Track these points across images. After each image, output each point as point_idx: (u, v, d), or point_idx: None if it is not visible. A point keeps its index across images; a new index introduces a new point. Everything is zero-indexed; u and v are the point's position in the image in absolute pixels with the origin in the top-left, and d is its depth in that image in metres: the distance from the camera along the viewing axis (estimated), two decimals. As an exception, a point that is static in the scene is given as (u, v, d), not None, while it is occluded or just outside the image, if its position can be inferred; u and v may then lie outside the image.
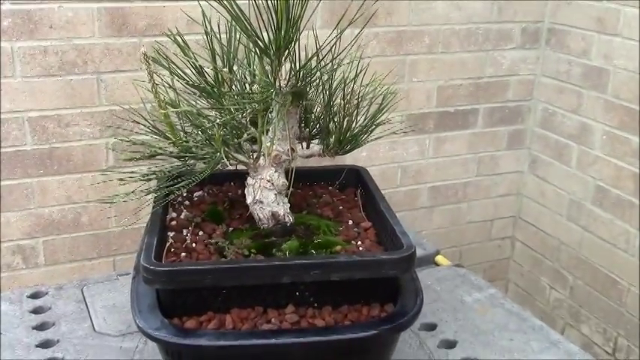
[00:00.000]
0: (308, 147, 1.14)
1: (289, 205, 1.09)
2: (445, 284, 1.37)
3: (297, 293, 0.97)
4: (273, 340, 0.91)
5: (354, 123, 1.10)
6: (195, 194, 1.20)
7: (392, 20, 2.06)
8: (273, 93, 0.99)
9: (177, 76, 1.04)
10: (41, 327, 1.22)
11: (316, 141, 1.14)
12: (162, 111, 1.04)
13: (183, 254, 1.02)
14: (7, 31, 1.70)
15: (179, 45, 1.05)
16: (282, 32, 0.95)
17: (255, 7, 0.92)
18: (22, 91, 1.74)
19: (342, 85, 1.10)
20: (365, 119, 1.14)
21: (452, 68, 2.19)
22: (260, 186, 1.07)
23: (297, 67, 0.99)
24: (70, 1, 1.74)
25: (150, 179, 1.06)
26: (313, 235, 1.08)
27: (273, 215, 1.07)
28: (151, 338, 0.92)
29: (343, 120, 1.09)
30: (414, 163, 2.25)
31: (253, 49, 1.00)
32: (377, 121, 1.14)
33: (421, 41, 2.12)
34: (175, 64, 1.04)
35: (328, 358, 0.98)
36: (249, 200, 1.08)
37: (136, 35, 1.80)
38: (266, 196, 1.07)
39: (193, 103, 1.07)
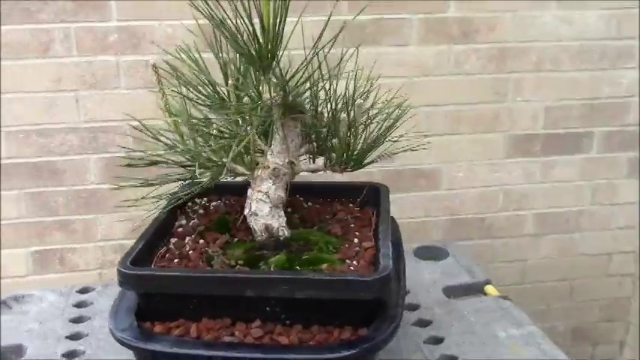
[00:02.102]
0: (314, 161, 1.12)
1: (285, 218, 1.08)
2: (482, 316, 1.28)
3: (268, 308, 0.96)
4: (221, 353, 0.90)
5: (358, 139, 1.06)
6: (212, 203, 1.23)
7: (494, 36, 1.96)
8: (259, 106, 0.99)
9: (185, 87, 1.07)
10: (77, 320, 1.30)
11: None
12: (171, 119, 1.08)
13: (176, 260, 1.05)
14: (113, 45, 1.83)
15: (187, 60, 1.08)
16: (264, 41, 0.94)
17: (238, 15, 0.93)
18: (126, 102, 1.86)
19: (345, 101, 1.06)
20: (373, 136, 1.09)
21: (562, 87, 2.04)
22: (256, 198, 1.07)
23: (284, 80, 0.98)
24: (169, 20, 1.84)
25: (152, 184, 1.09)
26: (305, 251, 1.06)
27: (267, 228, 1.07)
28: (114, 338, 0.95)
29: (347, 136, 1.06)
30: (518, 187, 2.12)
31: (239, 60, 1.00)
32: (385, 139, 1.09)
33: (527, 58, 2.00)
34: (183, 75, 1.07)
35: None
36: (246, 211, 1.08)
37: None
38: (261, 209, 1.07)
39: (199, 113, 1.09)
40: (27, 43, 1.78)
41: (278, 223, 1.07)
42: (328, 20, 0.92)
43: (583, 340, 2.36)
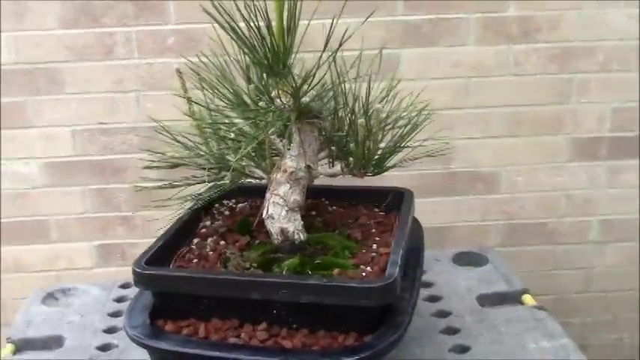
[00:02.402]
0: (333, 165, 1.12)
1: (302, 222, 1.09)
2: (514, 326, 1.24)
3: (275, 311, 0.97)
4: (224, 354, 0.92)
5: (377, 144, 1.05)
6: (239, 205, 1.25)
7: (556, 35, 1.90)
8: (271, 111, 1.00)
9: (208, 91, 1.10)
10: (115, 315, 1.35)
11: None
12: (195, 122, 1.11)
13: (195, 261, 1.07)
14: (171, 47, 1.88)
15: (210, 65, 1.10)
16: (274, 47, 0.95)
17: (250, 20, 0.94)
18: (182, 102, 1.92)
19: (362, 105, 1.06)
20: (394, 140, 1.08)
21: (631, 89, 1.94)
22: (272, 201, 1.08)
23: (296, 85, 0.98)
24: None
25: (175, 186, 1.13)
26: (320, 256, 1.06)
27: (282, 231, 1.08)
28: (127, 334, 0.98)
29: (365, 141, 1.05)
30: (582, 192, 2.04)
31: (252, 65, 1.01)
32: (403, 145, 1.08)
33: (592, 58, 1.92)
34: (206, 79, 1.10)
35: None
36: (263, 214, 1.09)
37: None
38: (277, 212, 1.08)
39: (222, 117, 1.12)
40: (92, 46, 1.85)
41: (294, 226, 1.08)
42: (332, 26, 0.91)
43: (654, 354, 2.25)
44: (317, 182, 1.22)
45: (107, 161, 1.96)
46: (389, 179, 1.84)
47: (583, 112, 1.97)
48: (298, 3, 0.94)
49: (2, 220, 1.97)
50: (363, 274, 1.01)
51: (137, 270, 0.97)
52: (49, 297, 1.41)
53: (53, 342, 1.27)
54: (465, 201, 2.03)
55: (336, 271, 1.01)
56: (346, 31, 0.94)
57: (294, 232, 1.08)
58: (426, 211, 1.99)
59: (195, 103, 1.10)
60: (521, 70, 1.92)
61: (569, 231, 2.08)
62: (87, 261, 2.05)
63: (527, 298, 1.33)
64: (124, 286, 1.45)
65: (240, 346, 0.94)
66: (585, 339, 2.18)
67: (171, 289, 0.98)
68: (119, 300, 1.40)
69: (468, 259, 1.48)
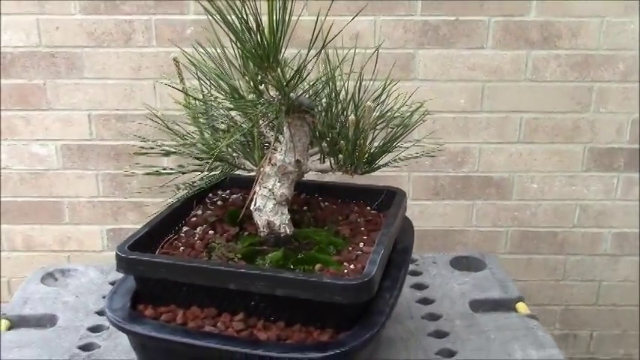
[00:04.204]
0: (324, 161, 1.12)
1: (289, 216, 1.09)
2: (503, 334, 1.23)
3: (252, 303, 0.97)
4: (196, 342, 0.92)
5: (368, 143, 1.05)
6: (232, 196, 1.25)
7: (577, 42, 1.87)
8: (260, 103, 1.00)
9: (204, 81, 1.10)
10: (110, 297, 1.37)
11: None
12: (188, 108, 1.12)
13: (181, 248, 1.08)
14: (189, 37, 1.90)
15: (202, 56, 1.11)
16: (263, 37, 0.95)
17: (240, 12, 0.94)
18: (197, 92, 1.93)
19: (353, 102, 1.05)
20: (385, 139, 1.07)
21: (652, 100, 1.91)
22: (261, 193, 1.08)
23: (285, 79, 0.98)
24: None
25: (165, 174, 1.13)
26: (305, 250, 1.06)
27: (269, 224, 1.08)
28: (107, 316, 0.99)
29: (356, 138, 1.05)
30: (596, 203, 2.01)
31: (243, 57, 1.01)
32: (396, 144, 1.07)
33: (613, 67, 1.88)
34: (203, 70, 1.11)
35: None
36: (251, 206, 1.10)
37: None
38: (264, 205, 1.08)
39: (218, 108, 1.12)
40: (111, 33, 1.88)
41: (280, 220, 1.08)
42: (317, 21, 0.91)
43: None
44: (312, 179, 1.23)
45: (122, 147, 1.98)
46: (396, 180, 1.84)
47: (601, 122, 1.94)
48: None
49: (17, 199, 2.01)
50: (345, 271, 1.01)
51: (119, 254, 0.99)
52: (49, 276, 1.43)
53: (47, 320, 1.29)
54: (476, 206, 2.01)
55: (317, 266, 1.01)
56: (331, 26, 0.93)
57: (280, 225, 1.08)
58: (437, 214, 1.99)
59: (188, 95, 1.10)
60: (539, 76, 1.89)
61: (581, 242, 2.05)
62: (97, 244, 2.08)
63: (521, 307, 1.32)
64: (123, 270, 1.46)
65: (215, 335, 0.94)
66: (592, 353, 2.15)
67: (151, 275, 0.99)
68: (115, 283, 1.41)
69: (466, 263, 1.46)
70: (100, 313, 1.30)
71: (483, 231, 2.02)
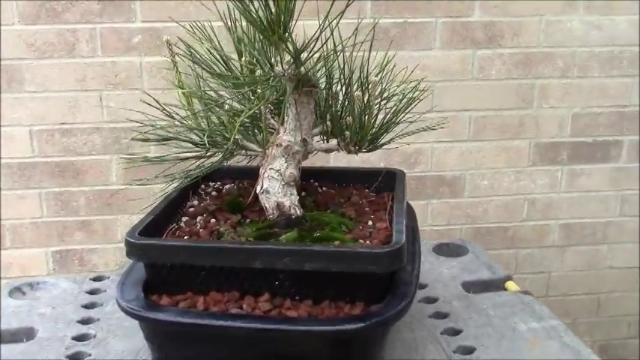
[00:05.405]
0: (328, 141, 1.10)
1: (297, 197, 1.07)
2: (502, 310, 1.24)
3: (277, 282, 0.93)
4: (228, 323, 0.88)
5: (373, 119, 1.04)
6: (225, 186, 1.22)
7: (519, 41, 1.94)
8: (271, 78, 0.97)
9: (197, 62, 1.07)
10: (90, 306, 1.29)
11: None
12: (184, 96, 1.08)
13: (186, 237, 1.03)
14: (136, 46, 1.84)
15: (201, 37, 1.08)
16: (276, 11, 0.93)
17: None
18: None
19: (360, 78, 1.04)
20: (388, 116, 1.07)
21: (590, 94, 2.00)
22: (268, 175, 1.05)
23: (297, 50, 0.96)
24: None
25: (165, 161, 1.09)
26: (317, 230, 1.04)
27: (278, 206, 1.05)
28: (120, 307, 0.93)
29: (360, 115, 1.04)
30: (543, 197, 2.08)
31: (252, 32, 0.99)
32: (398, 119, 1.07)
33: (553, 64, 1.97)
34: (195, 51, 1.07)
35: (280, 348, 0.92)
36: (258, 189, 1.06)
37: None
38: (272, 186, 1.05)
39: (213, 92, 1.09)
40: (53, 43, 1.80)
41: (290, 201, 1.05)
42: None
43: (610, 357, 2.28)
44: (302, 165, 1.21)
45: (67, 163, 1.89)
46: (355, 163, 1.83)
47: (544, 118, 2.02)
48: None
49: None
50: (368, 242, 0.99)
51: (131, 240, 0.93)
52: (16, 291, 1.33)
53: (23, 334, 1.20)
54: (430, 205, 2.04)
55: (336, 243, 0.99)
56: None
57: (290, 206, 1.05)
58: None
59: (183, 90, 1.06)
60: (486, 74, 1.95)
61: (531, 235, 2.12)
62: (42, 268, 1.96)
63: (511, 285, 1.34)
64: (97, 279, 1.39)
65: (244, 316, 0.90)
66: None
67: (168, 260, 0.93)
68: (92, 292, 1.33)
69: (448, 250, 1.47)
70: (84, 321, 1.22)
71: (439, 229, 2.05)
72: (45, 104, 1.83)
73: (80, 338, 1.17)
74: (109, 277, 1.39)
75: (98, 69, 1.83)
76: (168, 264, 0.94)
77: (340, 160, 1.82)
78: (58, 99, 1.84)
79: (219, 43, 1.09)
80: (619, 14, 1.94)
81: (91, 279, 1.39)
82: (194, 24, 1.09)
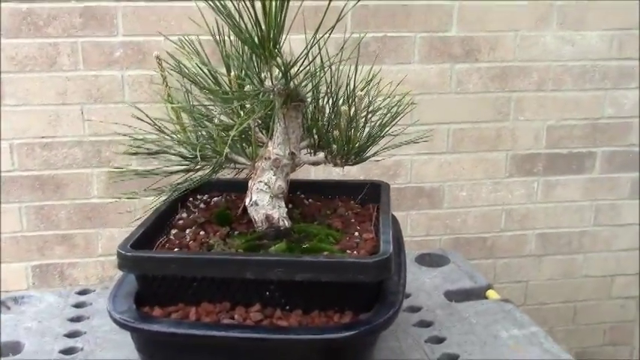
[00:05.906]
0: (315, 154, 1.13)
1: (286, 209, 1.09)
2: (484, 318, 1.27)
3: (268, 293, 0.95)
4: (221, 333, 0.89)
5: (358, 133, 1.07)
6: (213, 199, 1.23)
7: (495, 55, 1.99)
8: (260, 93, 0.99)
9: (187, 77, 1.08)
10: (76, 320, 1.29)
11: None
12: (173, 110, 1.09)
13: (176, 250, 1.04)
14: (118, 60, 1.85)
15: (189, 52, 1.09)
16: (266, 27, 0.95)
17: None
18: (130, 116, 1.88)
19: (347, 93, 1.07)
20: (372, 129, 1.09)
21: (564, 107, 2.05)
22: (257, 188, 1.07)
23: (286, 66, 0.98)
24: (174, 35, 1.86)
25: (154, 174, 1.10)
26: (307, 241, 1.06)
27: (267, 218, 1.07)
28: (112, 319, 0.94)
29: (347, 129, 1.06)
30: (520, 207, 2.12)
31: (241, 48, 1.01)
32: (384, 133, 1.10)
33: (529, 78, 2.02)
34: (185, 66, 1.09)
35: (271, 357, 0.94)
36: (247, 201, 1.08)
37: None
38: (261, 199, 1.07)
39: (202, 106, 1.10)
40: (34, 57, 1.80)
41: (278, 213, 1.07)
42: (328, 5, 0.93)
43: (587, 364, 2.33)
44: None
45: (47, 177, 1.89)
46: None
47: (520, 130, 2.06)
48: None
49: None
50: (355, 253, 1.01)
51: (123, 253, 0.94)
52: (1, 305, 1.33)
53: (9, 349, 1.20)
54: (409, 216, 2.07)
55: (325, 254, 1.01)
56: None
57: (279, 218, 1.07)
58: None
59: (173, 105, 1.08)
60: (463, 88, 1.99)
61: (508, 245, 2.16)
62: (22, 282, 1.95)
63: (492, 293, 1.37)
64: (82, 292, 1.39)
65: (236, 326, 0.92)
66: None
67: (159, 272, 0.95)
68: (78, 306, 1.34)
69: (429, 260, 1.50)
70: (71, 335, 1.23)
71: (418, 240, 2.08)
72: (26, 118, 1.83)
73: (67, 352, 1.18)
74: (94, 291, 1.40)
75: (80, 82, 1.84)
76: (160, 276, 0.95)
77: (321, 172, 1.84)
78: (39, 112, 1.84)
79: (207, 58, 1.11)
80: (591, 29, 1.99)
81: (76, 292, 1.39)
82: (182, 38, 1.10)
